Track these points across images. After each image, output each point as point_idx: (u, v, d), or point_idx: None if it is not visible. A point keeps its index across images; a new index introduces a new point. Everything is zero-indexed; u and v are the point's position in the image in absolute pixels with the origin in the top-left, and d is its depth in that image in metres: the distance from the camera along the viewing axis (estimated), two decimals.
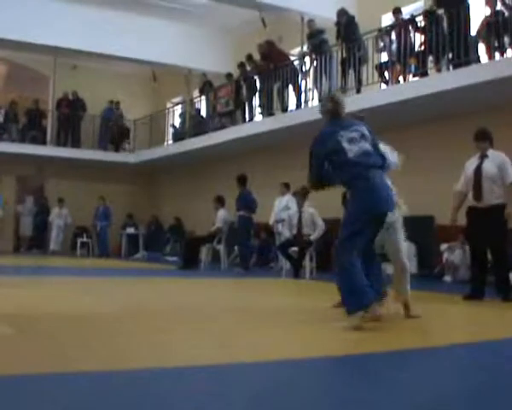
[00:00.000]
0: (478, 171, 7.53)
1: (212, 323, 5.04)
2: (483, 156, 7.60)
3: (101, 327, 4.56)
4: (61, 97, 20.97)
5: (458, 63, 10.88)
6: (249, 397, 2.64)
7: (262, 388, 2.82)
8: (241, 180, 13.30)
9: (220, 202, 13.94)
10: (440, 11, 11.42)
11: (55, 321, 4.73)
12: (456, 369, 3.59)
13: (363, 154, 4.99)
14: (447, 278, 11.51)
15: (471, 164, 7.71)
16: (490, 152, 7.60)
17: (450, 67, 11.27)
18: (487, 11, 10.95)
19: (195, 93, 20.17)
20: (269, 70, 15.19)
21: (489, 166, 7.47)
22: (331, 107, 5.29)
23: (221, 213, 13.79)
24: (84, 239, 20.50)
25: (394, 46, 12.40)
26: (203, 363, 3.28)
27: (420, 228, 10.40)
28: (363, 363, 3.60)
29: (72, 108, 21.04)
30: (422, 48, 11.85)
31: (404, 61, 12.08)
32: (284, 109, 14.90)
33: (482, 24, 10.98)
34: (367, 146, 5.05)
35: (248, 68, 16.37)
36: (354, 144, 5.01)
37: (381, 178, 5.04)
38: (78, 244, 20.21)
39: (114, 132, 21.85)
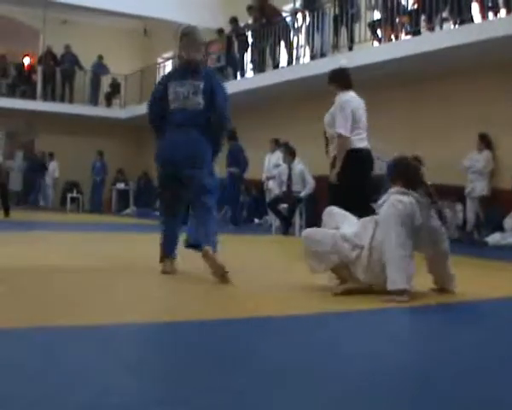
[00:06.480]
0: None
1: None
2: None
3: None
4: (44, 52, 20.80)
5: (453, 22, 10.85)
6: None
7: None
8: (231, 134, 13.14)
9: None
10: None
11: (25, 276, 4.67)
12: None
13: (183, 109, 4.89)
14: None
15: None
16: (337, 97, 6.24)
17: (444, 26, 11.22)
18: None
19: None
20: (261, 26, 15.08)
21: (326, 115, 6.32)
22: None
23: None
24: (74, 194, 20.46)
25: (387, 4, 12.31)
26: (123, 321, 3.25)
27: None
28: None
29: (60, 63, 20.87)
30: (415, 6, 11.78)
31: (396, 19, 12.00)
32: (276, 66, 14.83)
33: None
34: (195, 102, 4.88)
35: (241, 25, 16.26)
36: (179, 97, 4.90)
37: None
38: (68, 200, 20.17)
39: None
